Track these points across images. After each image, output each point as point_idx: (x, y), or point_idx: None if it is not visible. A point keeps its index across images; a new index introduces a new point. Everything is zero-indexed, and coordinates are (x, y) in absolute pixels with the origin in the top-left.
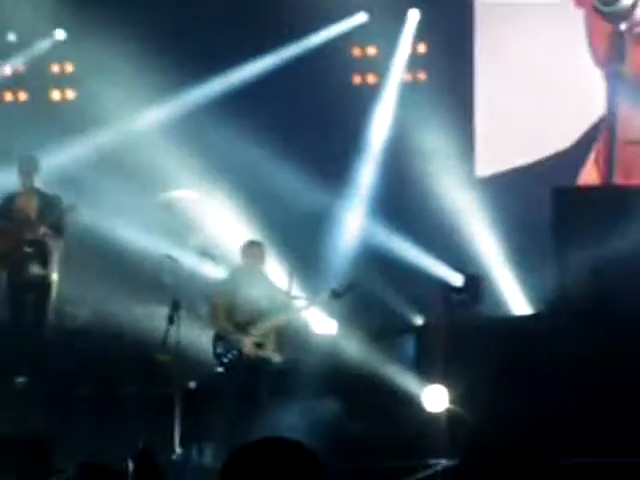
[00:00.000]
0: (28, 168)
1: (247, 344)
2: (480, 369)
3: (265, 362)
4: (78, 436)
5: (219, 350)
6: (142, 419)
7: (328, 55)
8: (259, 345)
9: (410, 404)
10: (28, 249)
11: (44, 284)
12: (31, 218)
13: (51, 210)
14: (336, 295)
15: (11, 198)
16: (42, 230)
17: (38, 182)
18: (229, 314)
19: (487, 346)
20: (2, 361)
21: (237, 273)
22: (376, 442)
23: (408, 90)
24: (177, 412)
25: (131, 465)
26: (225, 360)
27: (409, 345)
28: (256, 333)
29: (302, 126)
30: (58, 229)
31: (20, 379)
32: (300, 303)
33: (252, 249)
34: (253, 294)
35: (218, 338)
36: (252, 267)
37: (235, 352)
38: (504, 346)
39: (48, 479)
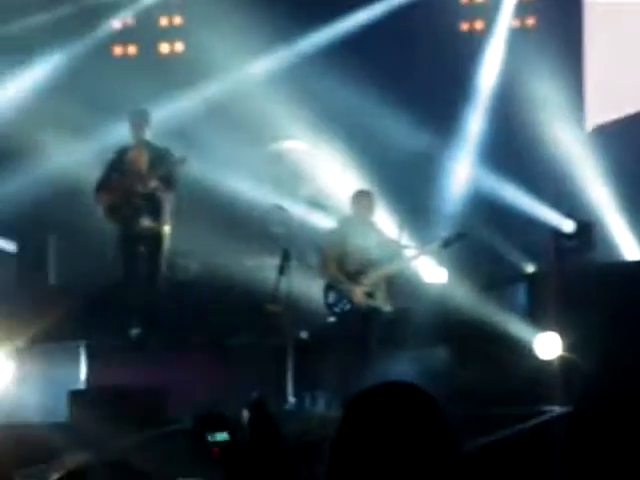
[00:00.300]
0: (139, 121)
1: (358, 294)
2: (593, 316)
3: (376, 311)
4: (193, 386)
5: (330, 300)
6: (255, 369)
7: (436, 2)
8: (370, 295)
9: (522, 352)
10: (140, 202)
11: (156, 236)
12: (142, 171)
13: (162, 163)
14: (446, 244)
15: (123, 151)
16: (153, 183)
17: (149, 135)
18: (340, 264)
19: (600, 292)
20: (117, 313)
21: (347, 223)
22: (488, 390)
23: (516, 36)
24: (289, 362)
25: (246, 414)
26: (336, 310)
27: (520, 293)
28: (367, 282)
29: (410, 75)
30: (169, 182)
31: (135, 331)
32: (410, 252)
33: (362, 199)
34: (363, 243)
35: (329, 288)
36: (362, 217)
37: (346, 302)
38: (617, 292)
39: (165, 428)
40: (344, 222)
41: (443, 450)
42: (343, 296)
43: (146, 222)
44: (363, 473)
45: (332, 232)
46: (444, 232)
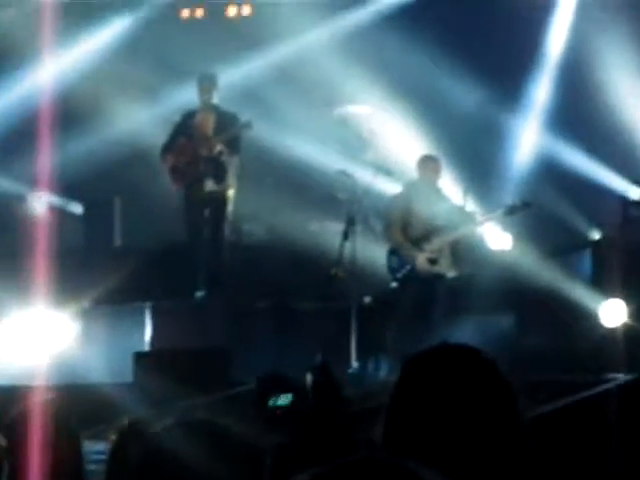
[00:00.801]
0: (207, 85)
1: (421, 259)
2: None
3: (439, 277)
4: (257, 349)
5: (393, 265)
6: (319, 333)
7: None
8: (432, 261)
9: (587, 319)
10: (204, 165)
11: (220, 200)
12: (208, 135)
13: (228, 127)
14: (511, 211)
15: (190, 115)
16: (218, 147)
17: (216, 99)
18: (404, 229)
19: None
20: (182, 276)
21: (412, 188)
22: (553, 356)
23: (586, 4)
24: (353, 326)
25: (309, 377)
26: (399, 275)
27: (586, 260)
28: (430, 249)
29: (476, 39)
30: (234, 146)
31: (199, 293)
32: (475, 219)
33: (428, 164)
34: (428, 209)
35: (392, 253)
36: (428, 182)
37: (409, 267)
38: None
39: (228, 390)
40: (410, 187)
41: (504, 413)
42: (406, 261)
43: (210, 185)
44: (420, 435)
45: (397, 197)
46: (509, 200)
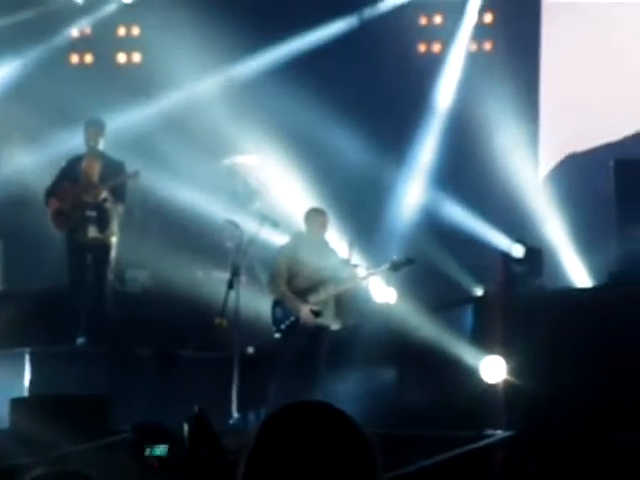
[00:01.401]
0: (94, 131)
1: (305, 311)
2: (538, 341)
3: (323, 329)
4: (136, 398)
5: (277, 315)
6: (201, 383)
7: (395, 23)
8: (317, 313)
9: (467, 374)
10: (89, 212)
11: (102, 246)
12: (93, 181)
13: (113, 175)
14: (395, 267)
15: (76, 160)
16: (103, 194)
17: (103, 146)
18: (289, 280)
19: (546, 318)
20: (63, 321)
21: (299, 240)
22: (433, 411)
23: (473, 60)
24: (235, 377)
25: (187, 427)
26: (282, 326)
27: (468, 315)
28: (315, 300)
29: (365, 94)
30: (119, 194)
31: (80, 340)
32: (360, 273)
33: (315, 216)
34: (314, 262)
35: (277, 304)
36: (315, 235)
37: (292, 318)
38: (563, 318)
39: (106, 438)
40: (296, 238)
41: (361, 471)
42: (290, 312)
43: (93, 232)
44: None
45: (284, 248)
46: (394, 255)
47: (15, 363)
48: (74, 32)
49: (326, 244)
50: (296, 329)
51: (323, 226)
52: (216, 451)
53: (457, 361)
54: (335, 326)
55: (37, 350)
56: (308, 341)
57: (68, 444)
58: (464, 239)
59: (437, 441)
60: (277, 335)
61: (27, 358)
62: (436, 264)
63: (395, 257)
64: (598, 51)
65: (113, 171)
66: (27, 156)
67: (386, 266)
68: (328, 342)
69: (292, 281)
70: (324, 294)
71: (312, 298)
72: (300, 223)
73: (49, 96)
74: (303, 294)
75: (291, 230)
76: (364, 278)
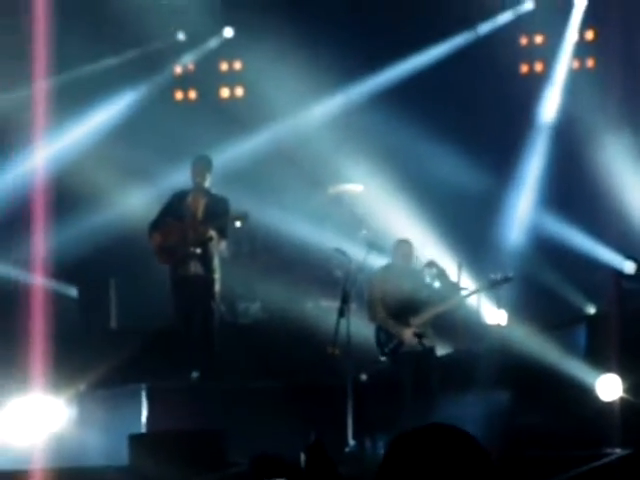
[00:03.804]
0: (200, 167)
1: (408, 334)
2: None
3: (430, 351)
4: (253, 430)
5: (381, 339)
6: (315, 412)
7: (496, 44)
8: (420, 335)
9: (583, 394)
10: (192, 249)
11: (205, 282)
12: (198, 218)
13: (218, 211)
14: (492, 285)
15: (181, 195)
16: (207, 232)
17: (209, 182)
18: (385, 306)
19: None
20: (177, 357)
21: (387, 269)
22: (549, 432)
23: (576, 78)
24: (349, 404)
25: (304, 457)
26: (386, 349)
27: (581, 334)
28: (417, 323)
29: (470, 116)
30: (223, 232)
31: (194, 374)
32: (459, 293)
33: (400, 247)
34: (407, 286)
35: (380, 328)
36: (402, 264)
37: (396, 341)
38: None
39: (222, 472)
40: (384, 268)
41: None
42: (393, 336)
43: (195, 269)
44: None
45: (373, 277)
46: (492, 274)
47: (132, 400)
48: (177, 69)
49: (416, 271)
50: (402, 353)
51: (409, 256)
52: (335, 478)
53: (572, 381)
54: (444, 349)
55: (153, 386)
56: (418, 364)
57: (187, 479)
58: (575, 257)
59: (555, 461)
60: (382, 358)
61: (144, 394)
62: (547, 283)
63: (492, 275)
64: None
65: (218, 208)
66: (135, 194)
67: (484, 284)
68: (438, 364)
69: (388, 308)
70: (425, 316)
71: (413, 321)
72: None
73: (156, 132)
74: (403, 318)
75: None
76: (463, 298)
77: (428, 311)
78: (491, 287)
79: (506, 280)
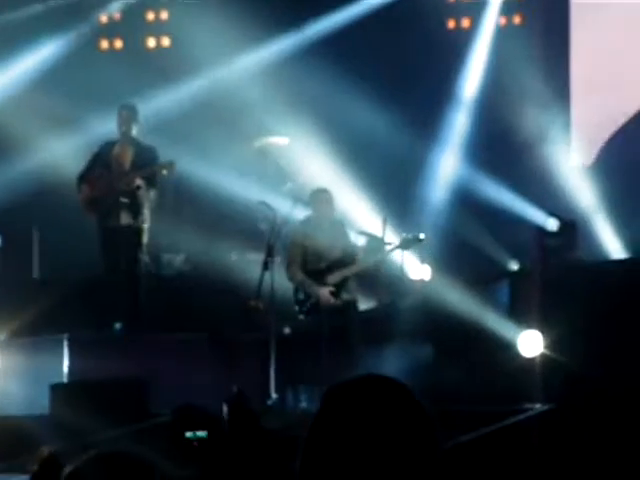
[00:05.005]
0: (126, 116)
1: (324, 293)
2: (575, 314)
3: (349, 304)
4: (174, 381)
5: (299, 297)
6: (237, 365)
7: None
8: (335, 294)
9: (504, 349)
10: (121, 199)
11: (135, 232)
12: (126, 168)
13: (146, 161)
14: (404, 245)
15: (108, 145)
16: (137, 182)
17: (136, 132)
18: (305, 264)
19: (582, 291)
20: (100, 307)
21: (307, 224)
22: (470, 387)
23: (503, 34)
24: (272, 358)
25: (226, 409)
26: (304, 308)
27: (504, 290)
28: (332, 282)
29: (396, 71)
30: (151, 181)
31: (117, 325)
32: (379, 251)
33: (320, 196)
34: (325, 243)
35: (297, 287)
36: (322, 216)
37: (314, 300)
38: (599, 291)
39: (145, 422)
40: (304, 223)
41: (423, 445)
42: (310, 295)
43: (125, 219)
44: (338, 467)
45: (294, 234)
46: (404, 233)
47: (53, 349)
48: (103, 18)
49: (336, 223)
50: (319, 310)
51: (329, 205)
52: (257, 431)
53: (494, 336)
54: (366, 303)
55: (75, 336)
56: (338, 319)
57: (108, 429)
58: (498, 214)
59: (475, 417)
60: (301, 317)
61: (65, 344)
62: (471, 239)
63: (405, 234)
64: (631, 20)
65: (146, 157)
66: (60, 143)
67: (396, 244)
68: (358, 317)
69: (307, 264)
70: (339, 275)
71: (329, 279)
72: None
73: (80, 82)
74: (320, 276)
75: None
76: (377, 259)
77: (345, 269)
78: (404, 247)
79: (417, 240)
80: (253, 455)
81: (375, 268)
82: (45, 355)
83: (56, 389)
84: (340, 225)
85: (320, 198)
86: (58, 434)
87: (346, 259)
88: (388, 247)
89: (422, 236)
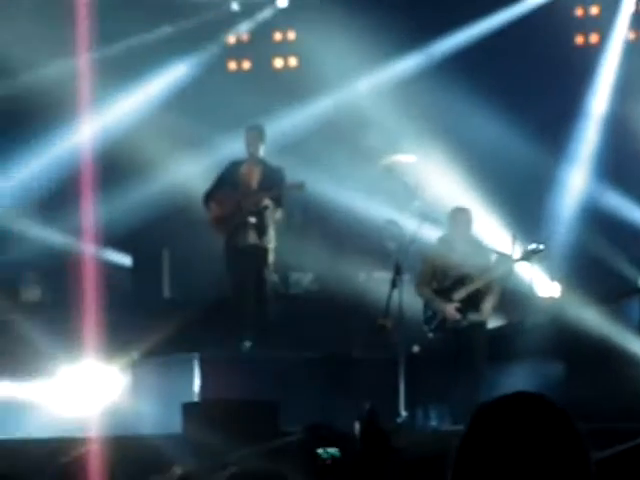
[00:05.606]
0: (254, 137)
1: (450, 310)
2: None
3: (477, 325)
4: (304, 400)
5: (427, 315)
6: (367, 383)
7: (551, 15)
8: (461, 310)
9: (636, 366)
10: (249, 219)
11: (261, 251)
12: (253, 188)
13: (273, 181)
14: (526, 257)
15: (235, 165)
16: (265, 202)
17: (263, 152)
18: (434, 281)
19: None
20: (229, 326)
21: (443, 241)
22: (602, 405)
23: (632, 49)
24: (401, 376)
25: (357, 427)
26: (432, 326)
27: (635, 307)
28: (458, 298)
29: (525, 88)
30: (278, 201)
31: (247, 344)
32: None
33: (458, 215)
34: (458, 260)
35: (426, 304)
36: (459, 234)
37: (440, 317)
38: None
39: (277, 441)
40: (441, 241)
41: (577, 465)
42: (437, 312)
43: (252, 239)
44: None
45: (429, 251)
46: (526, 245)
47: (184, 368)
48: (231, 39)
49: (472, 242)
50: (447, 328)
51: (467, 224)
52: (388, 449)
53: (625, 353)
54: (496, 322)
55: (205, 355)
56: (465, 338)
57: (240, 448)
58: (628, 229)
59: (609, 434)
60: (430, 335)
61: (196, 363)
62: (601, 256)
63: (526, 246)
64: None
65: (273, 177)
66: (189, 164)
67: (517, 257)
68: (484, 337)
69: (439, 281)
70: (464, 291)
71: (455, 296)
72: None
73: (209, 102)
74: (447, 293)
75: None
76: (500, 273)
77: (470, 285)
78: (524, 259)
79: (538, 251)
80: (384, 474)
81: (500, 284)
82: (176, 374)
83: (188, 408)
84: (476, 244)
85: (459, 217)
86: (190, 453)
87: (473, 276)
88: (511, 261)
89: (542, 247)
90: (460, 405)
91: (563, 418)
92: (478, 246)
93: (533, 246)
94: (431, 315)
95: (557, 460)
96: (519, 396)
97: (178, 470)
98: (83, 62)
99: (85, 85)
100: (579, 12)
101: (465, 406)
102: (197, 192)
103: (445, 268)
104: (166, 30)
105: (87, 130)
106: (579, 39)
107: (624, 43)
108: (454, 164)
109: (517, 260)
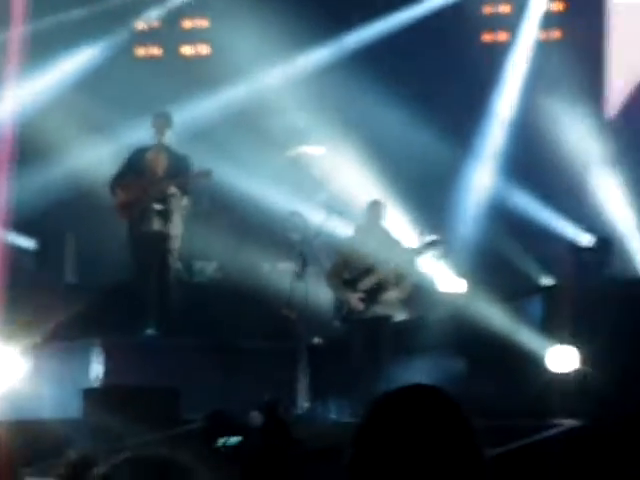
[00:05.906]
0: (161, 124)
1: (354, 300)
2: (609, 330)
3: (383, 318)
4: (204, 389)
5: (336, 305)
6: (268, 374)
7: (459, 12)
8: (364, 300)
9: (536, 364)
10: (154, 205)
11: (165, 238)
12: (159, 175)
13: (179, 168)
14: (422, 249)
15: (141, 151)
16: (168, 189)
17: (170, 138)
18: (344, 271)
19: (617, 308)
20: (132, 313)
21: (357, 233)
22: (500, 401)
23: (541, 49)
24: (302, 367)
25: (255, 416)
26: (340, 315)
27: (537, 305)
28: (363, 288)
29: (431, 84)
30: (184, 189)
31: (149, 331)
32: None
33: (375, 207)
34: (367, 251)
35: (334, 293)
36: (373, 225)
37: (347, 307)
38: (634, 308)
39: (177, 428)
40: (356, 231)
41: (469, 456)
42: (343, 303)
43: (157, 225)
44: (385, 474)
45: (342, 242)
46: (423, 237)
47: (86, 354)
48: (140, 25)
49: (385, 234)
50: (354, 319)
51: (381, 216)
52: (288, 440)
53: (526, 351)
54: (400, 316)
55: (107, 341)
56: (369, 332)
57: (140, 434)
58: (533, 228)
59: (505, 431)
60: (336, 323)
61: (98, 349)
62: (505, 254)
63: (422, 238)
64: None
65: (179, 165)
66: (96, 148)
67: (416, 248)
68: (390, 331)
69: (350, 271)
70: (369, 281)
71: (360, 286)
72: (364, 213)
73: (116, 88)
74: (354, 283)
75: (356, 220)
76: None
77: (372, 276)
78: (421, 250)
79: (433, 243)
80: (285, 464)
81: (408, 278)
82: (77, 359)
83: (88, 393)
84: (386, 236)
85: (374, 209)
86: (89, 438)
87: (376, 267)
88: (411, 253)
89: (436, 238)
90: (361, 398)
91: (456, 412)
92: (388, 238)
93: (429, 238)
94: (339, 305)
95: (448, 453)
96: (414, 388)
97: (73, 454)
98: (10, 38)
99: (10, 62)
100: (487, 10)
101: (365, 399)
102: (102, 177)
103: (355, 258)
104: (76, 13)
105: (3, 109)
106: (486, 36)
107: (535, 42)
108: (363, 157)
109: (415, 252)
